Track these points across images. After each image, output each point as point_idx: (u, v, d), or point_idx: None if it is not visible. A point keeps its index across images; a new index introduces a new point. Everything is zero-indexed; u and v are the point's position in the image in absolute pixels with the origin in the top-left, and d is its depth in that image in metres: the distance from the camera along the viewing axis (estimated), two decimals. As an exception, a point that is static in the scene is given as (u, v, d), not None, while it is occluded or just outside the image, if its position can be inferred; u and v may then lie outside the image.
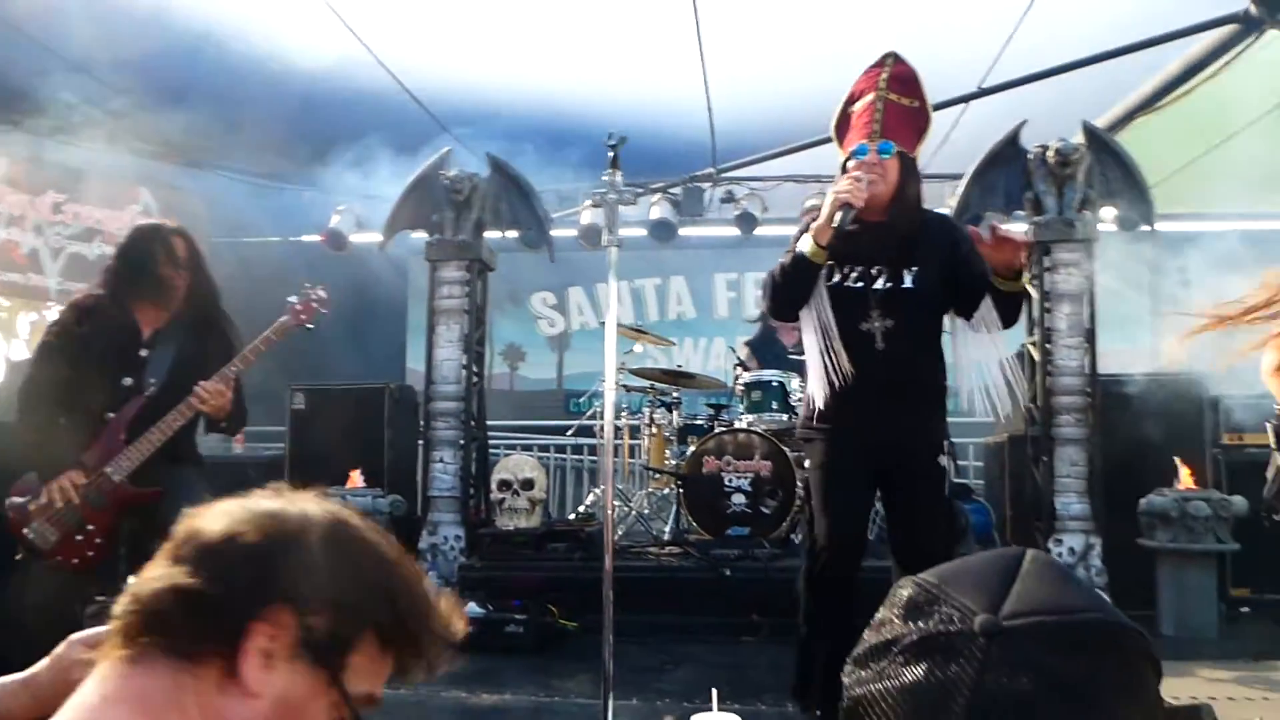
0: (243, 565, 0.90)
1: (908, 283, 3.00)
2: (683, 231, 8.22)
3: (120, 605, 0.90)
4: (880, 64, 3.05)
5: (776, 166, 7.42)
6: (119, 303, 3.36)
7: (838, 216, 2.80)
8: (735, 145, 7.23)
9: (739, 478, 5.59)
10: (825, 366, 3.02)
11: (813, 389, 3.11)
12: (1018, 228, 2.82)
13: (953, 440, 6.82)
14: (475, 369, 5.99)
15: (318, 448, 5.99)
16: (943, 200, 6.46)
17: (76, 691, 0.89)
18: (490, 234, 6.04)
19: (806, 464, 3.26)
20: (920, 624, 0.64)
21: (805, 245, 2.90)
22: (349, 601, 0.92)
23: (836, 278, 3.03)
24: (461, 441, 5.79)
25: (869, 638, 0.67)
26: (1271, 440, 3.44)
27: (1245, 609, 5.35)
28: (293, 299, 3.45)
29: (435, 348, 5.86)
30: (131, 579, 0.93)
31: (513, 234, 6.05)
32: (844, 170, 3.00)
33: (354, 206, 7.88)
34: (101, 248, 8.41)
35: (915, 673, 0.62)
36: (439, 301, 5.87)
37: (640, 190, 8.16)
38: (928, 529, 3.03)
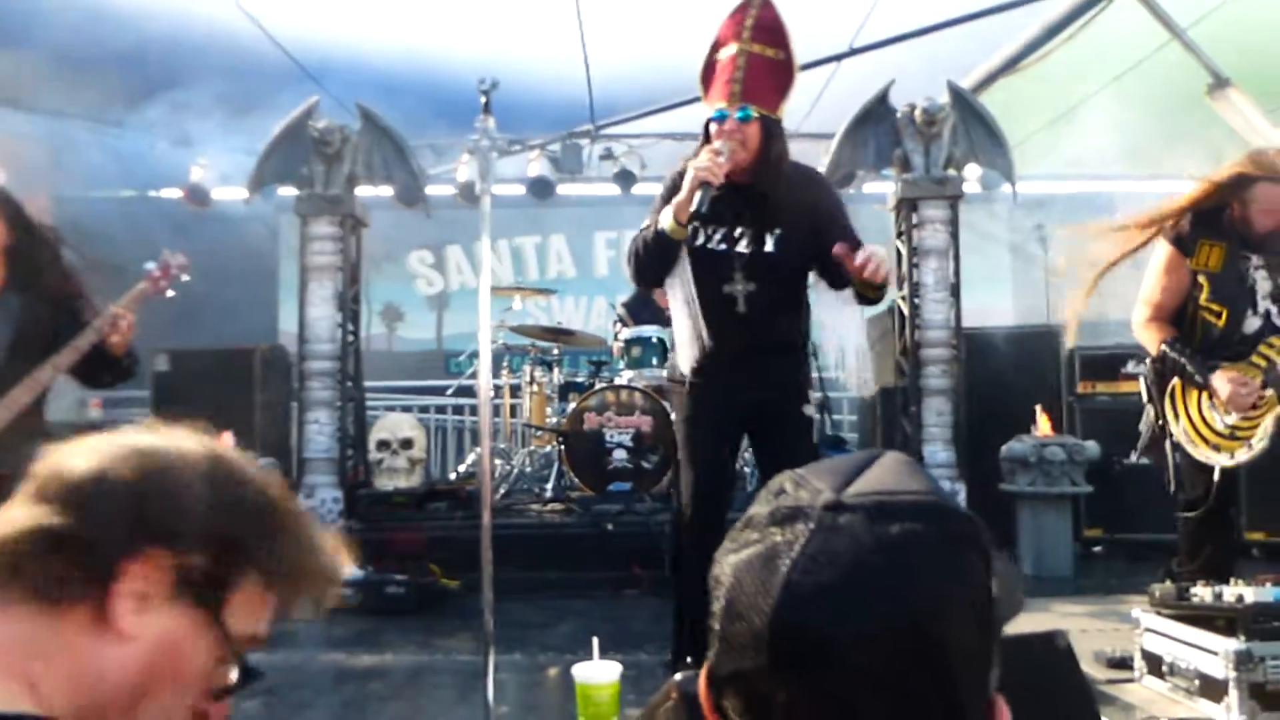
0: (114, 504, 0.85)
1: (769, 246, 3.01)
2: (561, 189, 8.14)
3: None
4: (745, 6, 2.99)
5: (655, 123, 7.41)
6: None
7: (697, 196, 2.79)
8: (614, 102, 7.18)
9: (620, 433, 5.63)
10: (689, 330, 3.05)
11: (679, 350, 3.14)
12: (880, 251, 2.80)
13: (827, 394, 7.06)
14: (350, 328, 5.84)
15: (183, 412, 5.64)
16: (816, 159, 6.58)
17: None
18: (364, 189, 5.86)
19: (674, 417, 3.31)
20: (776, 502, 0.69)
21: (666, 221, 2.89)
22: (229, 539, 0.89)
23: (700, 239, 3.03)
24: (337, 402, 5.65)
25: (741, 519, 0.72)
26: (1143, 393, 3.63)
27: (1097, 548, 5.70)
28: (150, 265, 3.27)
29: (308, 306, 5.68)
30: None
31: (387, 189, 5.89)
32: (706, 130, 2.99)
33: (217, 160, 7.51)
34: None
35: (764, 540, 0.66)
36: (310, 258, 5.69)
37: (519, 146, 8.04)
38: (795, 460, 3.07)
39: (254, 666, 0.91)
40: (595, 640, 2.39)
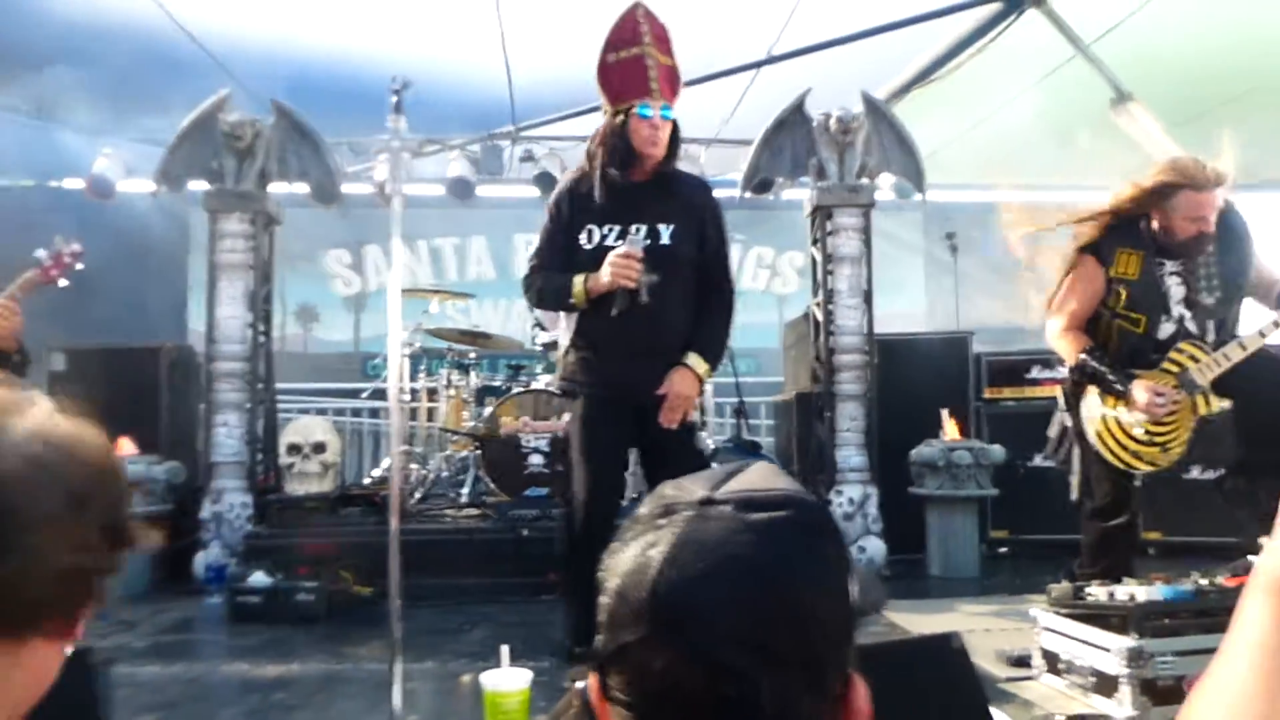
0: None
1: (665, 239, 3.12)
2: (481, 190, 8.06)
3: None
4: (633, 15, 3.14)
5: (576, 126, 7.38)
6: None
7: (619, 298, 2.98)
8: (535, 103, 7.15)
9: (537, 438, 5.60)
10: (587, 326, 3.14)
11: (572, 342, 3.22)
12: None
13: (744, 399, 7.13)
14: (262, 328, 5.70)
15: (80, 413, 5.51)
16: (735, 165, 6.64)
17: None
18: (279, 186, 5.73)
19: (566, 417, 3.40)
20: (658, 502, 0.77)
21: (577, 290, 3.05)
22: (118, 529, 0.90)
23: (596, 240, 3.12)
24: (247, 405, 5.51)
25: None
26: (1061, 400, 3.72)
27: (1003, 549, 5.87)
28: (41, 252, 3.15)
29: (217, 305, 5.53)
30: None
31: (302, 187, 5.77)
32: (621, 128, 3.08)
33: (121, 151, 7.26)
34: None
35: (641, 534, 0.74)
36: (220, 256, 5.53)
37: (439, 146, 7.95)
38: (680, 473, 3.17)
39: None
40: (505, 648, 2.38)
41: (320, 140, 5.66)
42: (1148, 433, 3.36)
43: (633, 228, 3.06)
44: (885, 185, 5.78)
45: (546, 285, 3.18)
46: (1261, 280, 3.47)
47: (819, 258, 5.64)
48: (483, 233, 10.40)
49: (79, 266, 3.19)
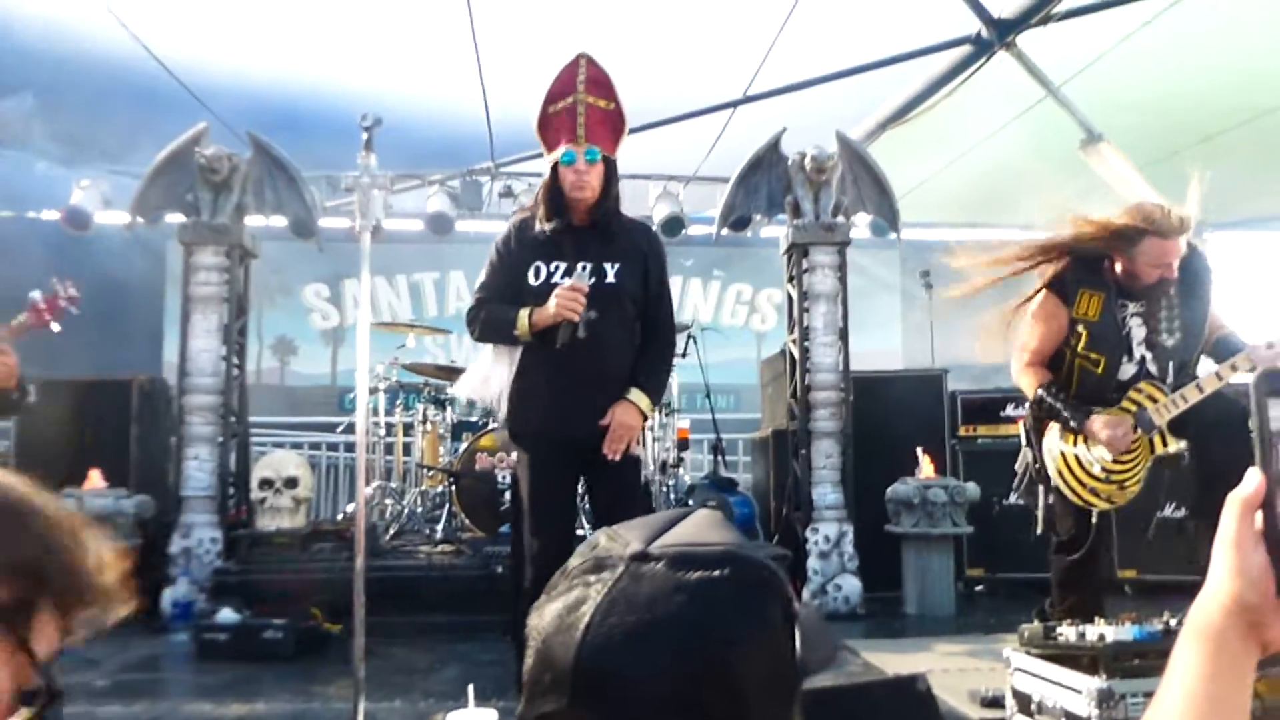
0: None
1: (610, 278, 3.18)
2: (461, 225, 8.08)
3: None
4: (574, 65, 3.24)
5: (556, 162, 7.43)
6: None
7: (562, 330, 3.05)
8: (514, 139, 7.19)
9: (512, 474, 5.56)
10: (530, 361, 3.20)
11: (515, 384, 3.25)
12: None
13: (721, 435, 7.12)
14: (236, 361, 5.66)
15: (50, 445, 5.45)
16: (712, 202, 6.69)
17: None
18: (257, 220, 5.72)
19: (514, 457, 3.41)
20: (590, 554, 0.73)
21: (522, 323, 3.10)
22: (27, 568, 0.88)
23: (543, 276, 3.18)
24: (219, 438, 5.46)
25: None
26: (1022, 436, 3.74)
27: (979, 587, 5.86)
28: (36, 294, 3.11)
29: (190, 338, 5.50)
30: None
31: (279, 220, 5.76)
32: (554, 174, 3.17)
33: (99, 182, 7.23)
34: None
35: (568, 590, 0.70)
36: (194, 288, 5.51)
37: (419, 181, 7.97)
38: (626, 510, 3.26)
39: (56, 685, 0.91)
40: (470, 688, 2.35)
41: (297, 174, 5.66)
42: (1105, 470, 3.38)
43: (579, 265, 3.12)
44: (861, 223, 5.83)
45: (490, 318, 3.23)
46: (1211, 327, 3.50)
47: (795, 295, 5.67)
48: (462, 268, 10.38)
49: (74, 310, 3.16)
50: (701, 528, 0.74)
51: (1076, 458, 3.43)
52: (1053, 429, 3.51)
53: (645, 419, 3.26)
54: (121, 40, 5.90)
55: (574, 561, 0.73)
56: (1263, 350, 3.38)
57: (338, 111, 6.41)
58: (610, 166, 3.21)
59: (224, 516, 5.38)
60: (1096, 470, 3.38)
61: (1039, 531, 3.66)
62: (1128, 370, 3.42)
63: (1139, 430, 3.33)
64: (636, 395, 3.19)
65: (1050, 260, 3.51)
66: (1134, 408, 3.38)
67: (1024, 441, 3.69)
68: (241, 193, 5.56)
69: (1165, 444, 3.35)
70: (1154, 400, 3.36)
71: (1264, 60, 5.91)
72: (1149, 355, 3.43)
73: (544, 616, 0.71)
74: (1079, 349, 3.45)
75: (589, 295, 3.07)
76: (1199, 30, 5.45)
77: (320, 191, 6.76)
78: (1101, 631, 2.82)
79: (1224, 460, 3.32)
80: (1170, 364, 3.42)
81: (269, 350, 10.36)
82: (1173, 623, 2.84)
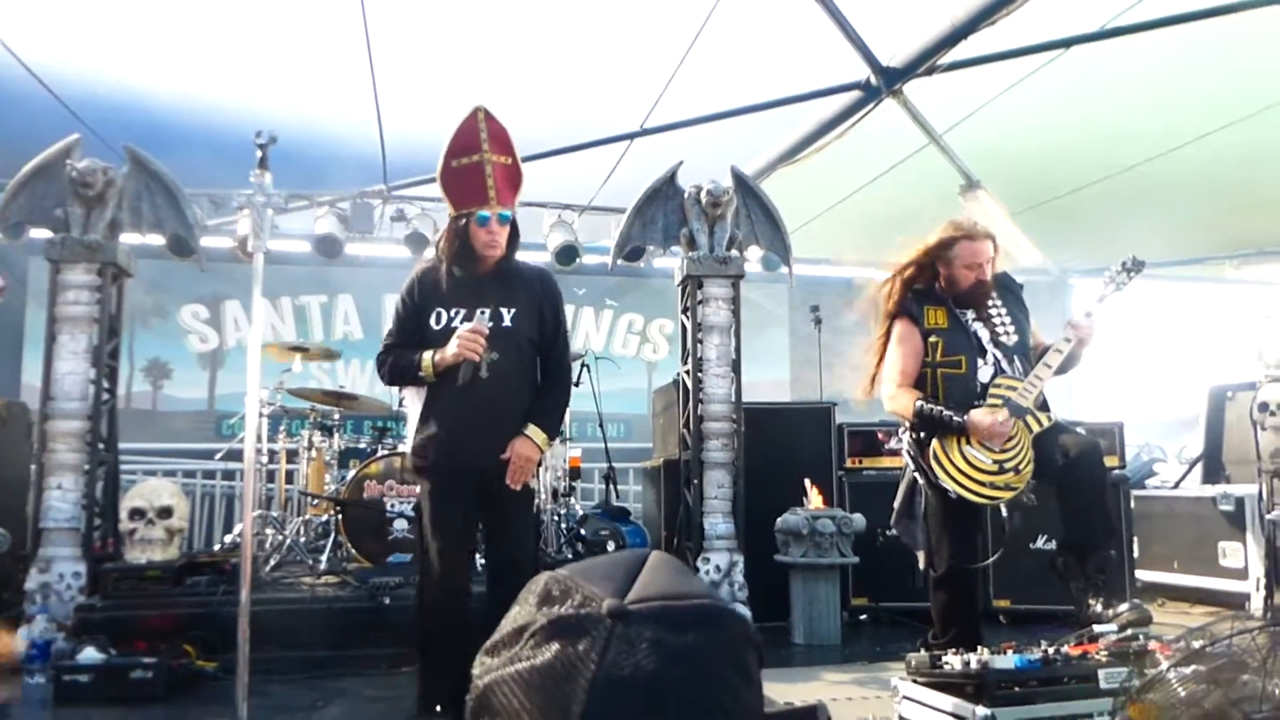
0: None
1: (507, 321, 3.43)
2: (351, 249, 7.90)
3: None
4: (474, 120, 3.45)
5: (450, 188, 7.34)
6: None
7: (463, 369, 3.28)
8: (408, 163, 7.08)
9: (402, 502, 5.45)
10: (434, 399, 3.44)
11: (421, 418, 3.48)
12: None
13: (613, 465, 7.12)
14: (107, 385, 5.37)
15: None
16: (607, 232, 6.72)
17: None
18: (131, 237, 5.46)
19: (418, 488, 3.66)
20: (552, 610, 0.67)
21: (426, 364, 3.35)
22: None
23: (444, 321, 3.43)
24: (86, 466, 5.15)
25: (503, 628, 0.70)
26: (908, 463, 3.88)
27: (863, 616, 5.99)
28: None
29: (56, 360, 5.18)
30: None
31: (156, 238, 5.51)
32: (458, 227, 3.42)
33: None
34: None
35: (545, 654, 0.65)
36: (62, 308, 5.21)
37: (307, 202, 7.76)
38: (520, 542, 3.53)
39: None
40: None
41: (178, 190, 5.44)
42: (995, 461, 3.57)
43: (479, 310, 3.36)
44: (753, 258, 5.93)
45: (397, 361, 3.45)
46: (1034, 339, 3.91)
47: (689, 326, 5.73)
48: (350, 291, 10.15)
49: None
50: (670, 577, 0.71)
51: (966, 460, 3.60)
52: (935, 446, 3.65)
53: (542, 452, 3.46)
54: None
55: (533, 618, 0.68)
56: (1082, 320, 3.77)
57: (223, 129, 6.22)
58: (513, 223, 3.47)
59: (89, 549, 5.07)
60: (988, 464, 3.57)
61: (921, 566, 3.84)
62: (985, 372, 3.71)
63: (1013, 416, 3.57)
64: (534, 430, 3.41)
65: (898, 282, 3.89)
66: (1000, 400, 3.63)
67: (911, 467, 3.83)
68: (117, 208, 5.31)
69: (1040, 422, 3.62)
70: (1014, 389, 3.64)
71: (1129, 119, 6.30)
72: (999, 354, 3.74)
73: (507, 683, 0.65)
74: (938, 359, 3.76)
75: (489, 337, 3.30)
76: (1071, 88, 5.78)
77: (202, 209, 6.52)
78: (984, 660, 2.91)
79: (1090, 498, 3.56)
80: (1016, 359, 3.75)
81: (140, 373, 9.87)
82: (1050, 651, 2.96)
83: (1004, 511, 3.74)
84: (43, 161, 5.26)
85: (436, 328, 3.42)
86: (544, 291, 3.55)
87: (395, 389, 6.12)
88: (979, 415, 3.55)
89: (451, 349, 3.28)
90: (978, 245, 3.74)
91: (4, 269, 3.12)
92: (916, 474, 3.80)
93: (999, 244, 3.83)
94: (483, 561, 4.79)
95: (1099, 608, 3.46)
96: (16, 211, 5.25)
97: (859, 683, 4.32)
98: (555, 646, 0.65)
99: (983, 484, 3.58)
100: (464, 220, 3.41)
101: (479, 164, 3.39)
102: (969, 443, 3.59)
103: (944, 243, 3.77)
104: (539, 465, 3.53)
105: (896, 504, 3.98)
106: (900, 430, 3.98)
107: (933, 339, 3.75)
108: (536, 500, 4.63)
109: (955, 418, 3.57)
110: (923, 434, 3.72)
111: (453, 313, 3.42)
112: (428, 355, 3.35)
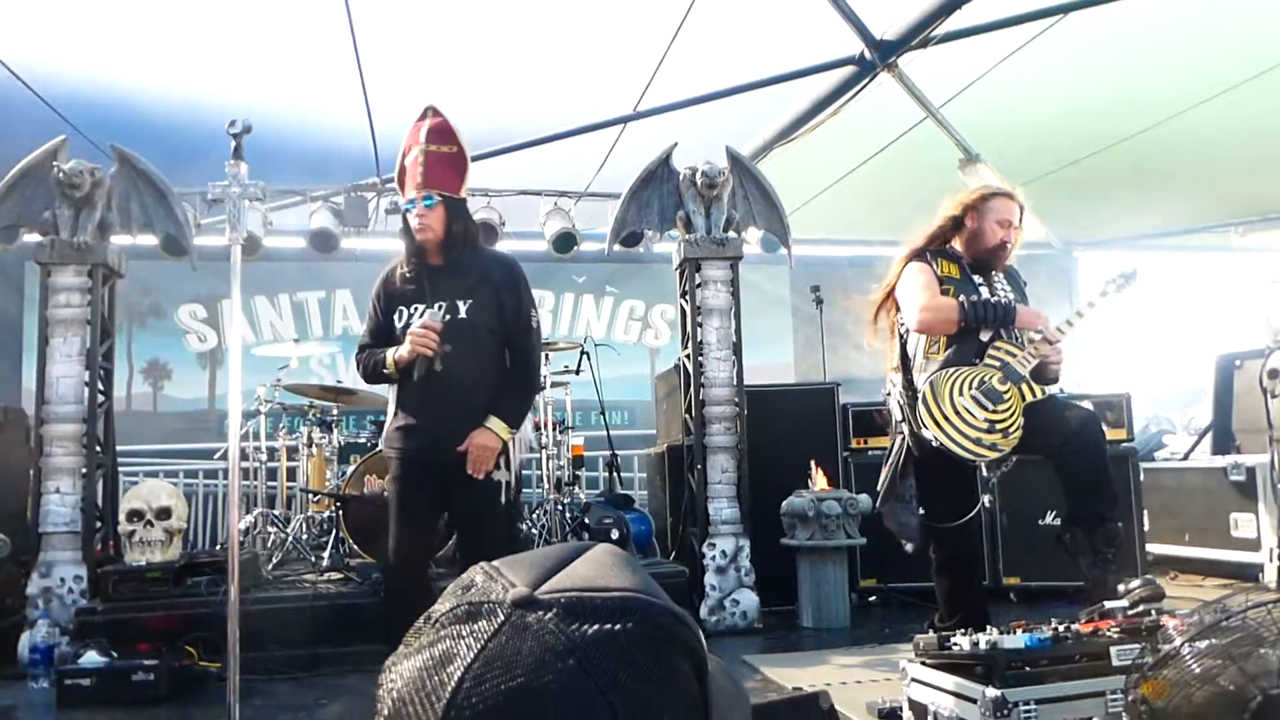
0: None
1: (463, 313, 3.44)
2: (347, 243, 7.84)
3: None
4: (422, 118, 3.54)
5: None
6: None
7: (419, 365, 3.35)
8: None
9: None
10: (400, 393, 3.52)
11: (390, 412, 3.57)
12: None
13: (616, 452, 7.07)
14: (101, 387, 5.33)
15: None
16: (604, 218, 6.65)
17: None
18: (121, 238, 5.41)
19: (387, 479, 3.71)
20: (463, 597, 0.60)
21: (389, 363, 3.45)
22: None
23: (405, 318, 3.49)
24: (84, 469, 5.11)
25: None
26: (895, 412, 3.89)
27: (872, 598, 5.94)
28: None
29: (50, 363, 5.14)
30: None
31: (148, 239, 5.45)
32: (404, 219, 3.50)
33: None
34: None
35: (438, 641, 0.57)
36: (53, 311, 5.16)
37: (301, 198, 7.70)
38: (489, 534, 3.51)
39: None
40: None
41: (167, 189, 5.37)
42: (986, 420, 3.55)
43: (435, 305, 3.42)
44: (752, 239, 5.86)
45: (368, 361, 3.56)
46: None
47: (689, 310, 5.66)
48: (348, 286, 10.09)
49: None
50: (600, 569, 0.61)
51: (956, 410, 3.58)
52: (927, 392, 3.63)
53: (503, 442, 3.45)
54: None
55: (442, 606, 0.60)
56: (1054, 334, 3.72)
57: (215, 127, 6.16)
58: (452, 206, 3.46)
59: (89, 552, 5.04)
60: (980, 420, 3.55)
61: (909, 550, 3.93)
62: (985, 332, 3.70)
63: (1007, 381, 3.59)
64: (494, 421, 3.42)
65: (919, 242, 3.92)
66: (997, 363, 3.64)
67: (897, 416, 3.82)
68: (105, 209, 5.25)
69: (1035, 393, 3.63)
70: (1013, 355, 3.66)
71: (1126, 89, 6.21)
72: None
73: (399, 676, 0.57)
74: None
75: (445, 330, 3.35)
76: (1069, 57, 5.70)
77: (195, 208, 6.46)
78: (993, 640, 2.85)
79: (1091, 472, 3.51)
80: (1016, 330, 3.76)
81: (140, 375, 9.84)
82: (1061, 629, 2.90)
83: (984, 470, 3.73)
84: (29, 164, 5.20)
85: (400, 324, 3.50)
86: (502, 279, 3.54)
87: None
88: (1025, 308, 3.70)
89: (405, 347, 3.38)
90: (1013, 204, 3.83)
91: None
92: (902, 426, 3.78)
93: (1025, 219, 3.89)
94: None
95: (1110, 582, 3.40)
96: (5, 215, 5.19)
97: (868, 665, 4.27)
98: (449, 631, 0.57)
99: (968, 438, 3.56)
100: (405, 213, 3.51)
101: (416, 157, 3.47)
102: (962, 393, 3.58)
103: (985, 195, 3.87)
104: (503, 454, 3.48)
105: (882, 484, 3.96)
106: (888, 383, 3.97)
107: (945, 286, 3.77)
108: (527, 491, 4.63)
109: (1005, 310, 3.65)
110: (975, 319, 3.70)
111: (412, 309, 3.49)
112: (389, 353, 3.45)
